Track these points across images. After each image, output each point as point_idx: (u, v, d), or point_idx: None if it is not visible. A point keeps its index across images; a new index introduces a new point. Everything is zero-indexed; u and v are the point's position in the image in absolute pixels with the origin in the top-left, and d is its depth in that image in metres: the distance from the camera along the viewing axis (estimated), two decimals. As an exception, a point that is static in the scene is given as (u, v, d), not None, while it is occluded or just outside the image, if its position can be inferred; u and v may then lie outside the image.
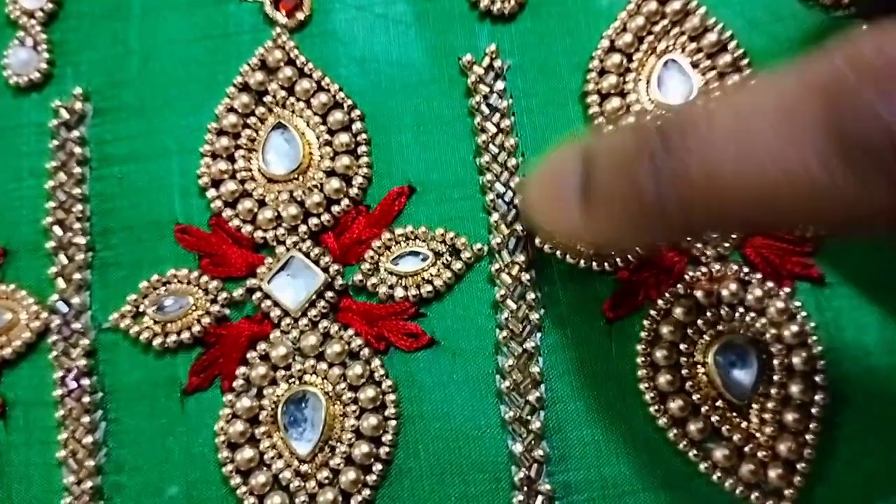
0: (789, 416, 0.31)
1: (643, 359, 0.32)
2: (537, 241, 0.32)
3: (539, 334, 0.32)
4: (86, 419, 0.33)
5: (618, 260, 0.32)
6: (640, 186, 0.22)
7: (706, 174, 0.21)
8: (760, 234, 0.31)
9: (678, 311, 0.32)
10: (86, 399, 0.33)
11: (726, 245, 0.33)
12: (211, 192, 0.34)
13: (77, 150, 0.36)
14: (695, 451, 0.31)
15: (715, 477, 0.30)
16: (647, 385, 0.31)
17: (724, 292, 0.32)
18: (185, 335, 0.33)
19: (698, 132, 0.21)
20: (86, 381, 0.33)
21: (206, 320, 0.33)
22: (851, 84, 0.18)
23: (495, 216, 0.33)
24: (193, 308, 0.33)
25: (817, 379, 0.31)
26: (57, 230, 0.35)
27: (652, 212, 0.22)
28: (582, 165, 0.25)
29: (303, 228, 0.34)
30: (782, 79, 0.21)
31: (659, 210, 0.22)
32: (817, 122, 0.19)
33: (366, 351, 0.32)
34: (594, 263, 0.32)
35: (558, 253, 0.31)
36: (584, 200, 0.24)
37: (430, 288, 0.33)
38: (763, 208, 0.21)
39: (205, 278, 0.33)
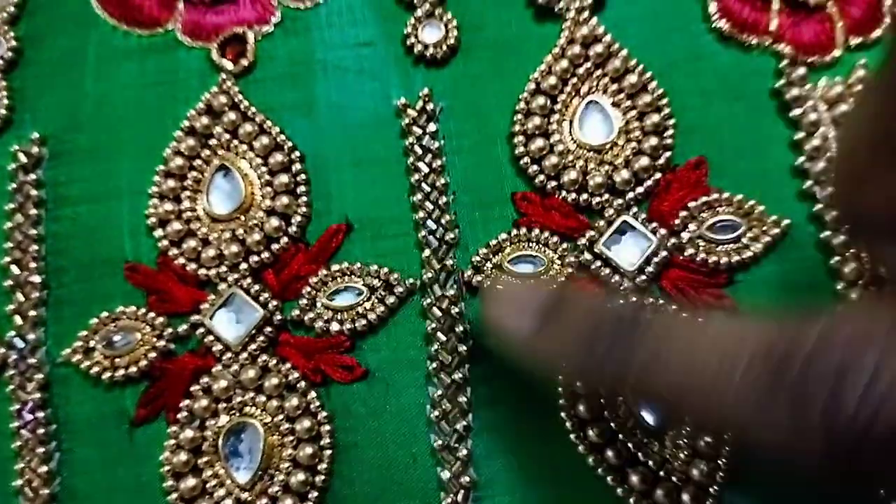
0: (703, 442, 0.32)
1: (564, 388, 0.33)
2: (466, 273, 0.34)
3: (468, 365, 0.34)
4: (41, 450, 0.34)
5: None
6: (592, 345, 0.25)
7: (644, 374, 0.24)
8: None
9: (597, 342, 0.33)
10: (40, 431, 0.35)
11: (643, 278, 0.34)
12: (158, 232, 0.36)
13: (33, 192, 0.37)
14: (612, 476, 0.32)
15: (632, 500, 0.32)
16: (567, 413, 0.33)
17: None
18: (133, 369, 0.35)
19: (656, 342, 0.24)
20: (40, 414, 0.35)
21: (153, 355, 0.35)
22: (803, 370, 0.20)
23: (427, 252, 0.35)
24: (141, 343, 0.35)
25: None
26: (14, 269, 0.36)
27: (590, 366, 0.26)
28: (554, 298, 0.28)
29: (244, 266, 0.35)
30: (742, 329, 0.23)
31: (596, 368, 0.26)
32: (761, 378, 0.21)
33: (303, 384, 0.34)
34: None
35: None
36: (542, 321, 0.28)
37: (364, 322, 0.34)
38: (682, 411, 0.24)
39: (151, 315, 0.35)
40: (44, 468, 0.34)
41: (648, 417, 0.32)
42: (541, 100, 0.37)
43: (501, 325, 0.30)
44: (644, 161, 0.36)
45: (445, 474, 0.32)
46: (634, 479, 0.32)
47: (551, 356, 0.28)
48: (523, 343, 0.29)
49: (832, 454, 0.20)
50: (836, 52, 0.38)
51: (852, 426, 0.19)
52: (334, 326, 0.34)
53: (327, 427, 0.33)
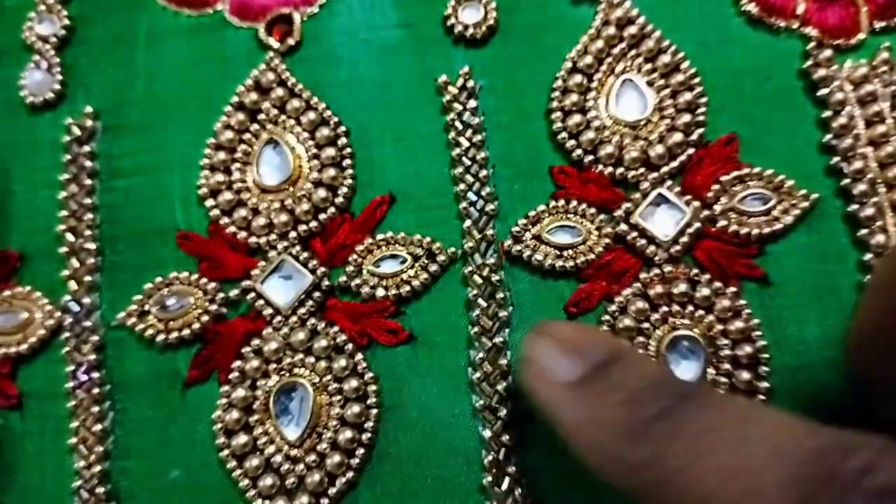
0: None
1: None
2: (506, 242, 0.36)
3: (507, 330, 0.36)
4: (95, 409, 0.36)
5: (580, 261, 0.35)
6: (633, 435, 0.23)
7: (677, 472, 0.22)
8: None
9: (633, 308, 0.35)
10: (95, 391, 0.36)
11: (678, 248, 0.36)
12: (209, 202, 0.38)
13: (87, 163, 0.39)
14: (647, 435, 0.34)
15: (665, 458, 0.33)
16: (604, 375, 0.34)
17: (675, 291, 0.35)
18: (186, 332, 0.36)
19: (688, 434, 0.22)
20: (95, 375, 0.36)
21: (205, 318, 0.36)
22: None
23: (468, 222, 0.37)
24: (193, 307, 0.36)
25: (761, 370, 0.34)
26: (69, 237, 0.38)
27: (621, 449, 0.23)
28: (610, 349, 0.26)
29: (293, 234, 0.37)
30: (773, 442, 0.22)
31: (625, 456, 0.23)
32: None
33: (350, 346, 0.35)
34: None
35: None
36: (577, 387, 0.26)
37: (408, 288, 0.36)
38: None
39: (204, 280, 0.37)
40: (98, 427, 0.36)
41: (688, 366, 0.34)
42: (578, 78, 0.38)
43: (542, 363, 0.27)
44: (677, 137, 0.37)
45: (487, 433, 0.34)
46: (670, 438, 0.33)
47: (584, 420, 0.25)
48: (559, 391, 0.26)
49: None
50: (861, 36, 0.40)
51: None
52: (380, 292, 0.36)
53: (373, 387, 0.35)
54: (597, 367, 0.25)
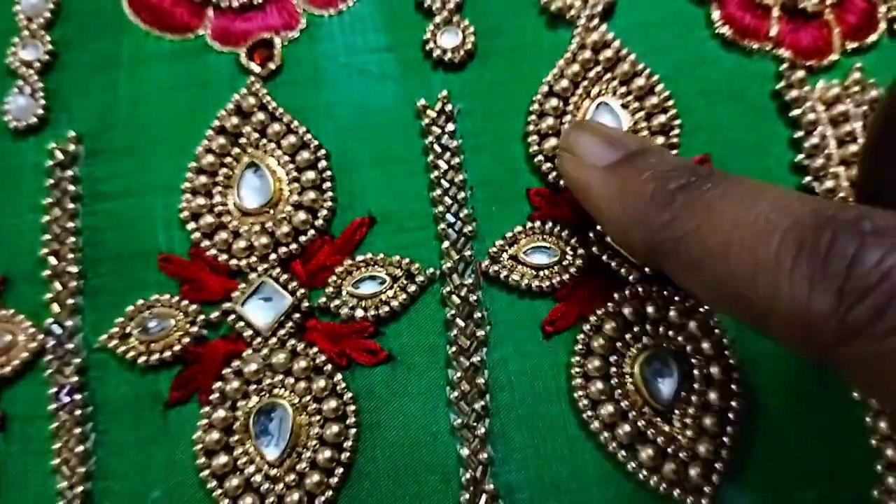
0: (708, 421, 0.34)
1: (577, 369, 0.35)
2: (484, 263, 0.36)
3: (485, 349, 0.36)
4: (77, 430, 0.36)
5: (556, 281, 0.36)
6: (658, 203, 0.27)
7: (696, 227, 0.26)
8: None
9: (608, 327, 0.36)
10: (77, 412, 0.36)
11: (649, 268, 0.36)
12: (191, 225, 0.38)
13: (70, 187, 0.39)
14: (623, 453, 0.34)
15: (641, 476, 0.34)
16: (580, 393, 0.35)
17: (649, 310, 0.36)
18: (167, 354, 0.36)
19: (705, 199, 0.26)
20: (77, 396, 0.37)
21: (186, 340, 0.36)
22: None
23: (446, 244, 0.37)
24: (175, 329, 0.37)
25: (733, 387, 0.35)
26: (52, 260, 0.38)
27: (649, 213, 0.27)
28: (641, 144, 0.31)
29: (273, 256, 0.37)
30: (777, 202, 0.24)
31: (654, 215, 0.27)
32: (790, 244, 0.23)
33: (329, 367, 0.36)
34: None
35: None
36: (610, 170, 0.30)
37: (387, 309, 0.36)
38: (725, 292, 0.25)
39: (185, 302, 0.37)
40: (80, 448, 0.36)
41: (659, 396, 0.34)
42: (553, 101, 0.39)
43: (581, 150, 0.32)
44: (651, 158, 0.38)
45: (465, 451, 0.34)
46: (644, 455, 0.34)
47: (615, 194, 0.29)
48: (594, 173, 0.30)
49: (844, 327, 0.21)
50: (834, 56, 0.40)
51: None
52: (359, 313, 0.36)
53: (352, 407, 0.35)
54: (629, 154, 0.30)
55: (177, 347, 0.36)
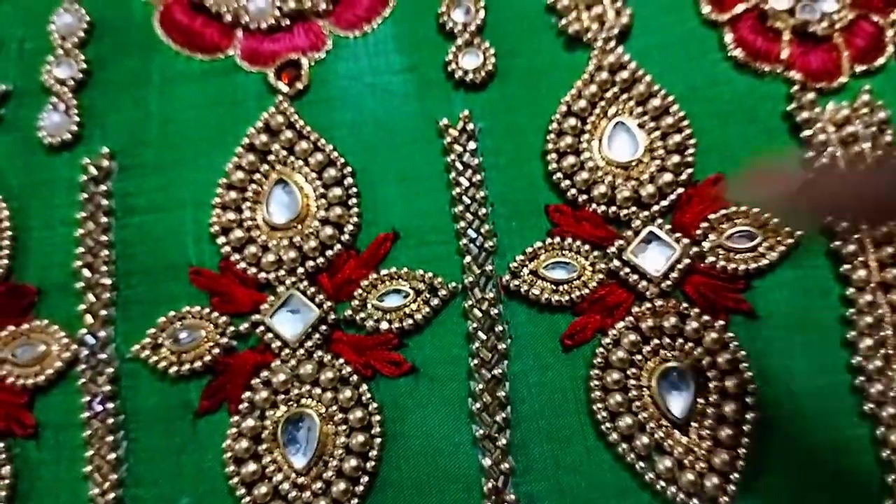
0: (724, 433, 0.35)
1: (596, 382, 0.36)
2: (504, 278, 0.37)
3: (506, 362, 0.37)
4: (109, 438, 0.37)
5: (575, 296, 0.37)
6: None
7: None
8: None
9: (626, 341, 0.37)
10: (109, 421, 0.37)
11: (668, 283, 0.37)
12: (221, 239, 0.39)
13: (103, 202, 0.41)
14: (641, 464, 0.35)
15: (658, 486, 0.35)
16: (599, 405, 0.36)
17: (666, 324, 0.37)
18: (198, 364, 0.38)
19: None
20: (110, 405, 0.38)
21: (216, 351, 0.38)
22: None
23: (468, 258, 0.38)
24: (205, 340, 0.38)
25: (748, 400, 0.36)
26: (85, 272, 0.40)
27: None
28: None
29: (300, 270, 0.38)
30: None
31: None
32: None
33: (355, 377, 0.37)
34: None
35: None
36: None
37: (411, 321, 0.38)
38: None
39: (215, 314, 0.38)
40: (112, 455, 0.37)
41: (675, 408, 0.35)
42: (572, 121, 0.40)
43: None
44: (667, 177, 0.39)
45: (487, 461, 0.35)
46: (661, 466, 0.35)
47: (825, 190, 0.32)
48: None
49: None
50: (843, 79, 0.42)
51: None
52: (383, 325, 0.37)
53: (377, 417, 0.36)
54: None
55: (207, 358, 0.37)
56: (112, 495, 0.37)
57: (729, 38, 0.42)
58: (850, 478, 0.35)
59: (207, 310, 0.38)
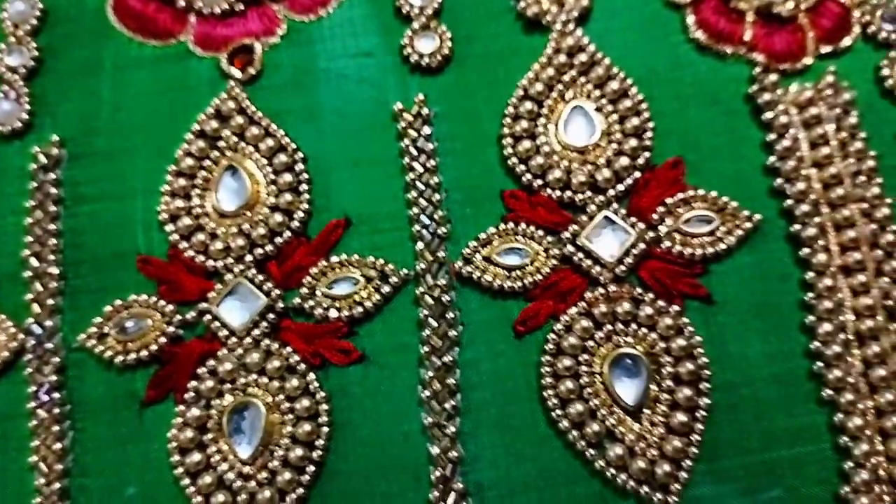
0: (677, 419, 0.34)
1: (547, 369, 0.35)
2: (457, 264, 0.37)
3: (457, 349, 0.36)
4: (55, 428, 0.37)
5: (528, 281, 0.36)
6: None
7: None
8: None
9: (578, 327, 0.36)
10: (56, 411, 0.37)
11: (623, 269, 0.37)
12: (169, 227, 0.39)
13: (53, 190, 0.40)
14: (592, 451, 0.34)
15: (609, 474, 0.34)
16: (550, 392, 0.35)
17: (619, 310, 0.36)
18: (144, 353, 0.37)
19: None
20: (56, 395, 0.37)
21: (163, 340, 0.37)
22: None
23: (420, 245, 0.38)
24: (151, 329, 0.37)
25: (702, 386, 0.35)
26: (33, 262, 0.39)
27: None
28: None
29: (249, 258, 0.38)
30: None
31: None
32: None
33: (302, 366, 0.36)
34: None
35: None
36: None
37: (361, 309, 0.37)
38: None
39: (162, 303, 0.38)
40: (58, 445, 0.36)
41: (626, 397, 0.34)
42: (528, 105, 0.40)
43: None
44: (624, 161, 0.38)
45: (435, 450, 0.35)
46: (612, 453, 0.34)
47: None
48: None
49: None
50: (807, 60, 0.41)
51: None
52: (332, 313, 0.37)
53: (325, 406, 0.35)
54: None
55: (153, 347, 0.37)
56: (57, 485, 0.36)
57: (691, 19, 0.42)
58: (805, 464, 0.34)
59: (154, 298, 0.38)
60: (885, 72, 0.40)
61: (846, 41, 0.41)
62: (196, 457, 0.35)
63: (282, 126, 0.40)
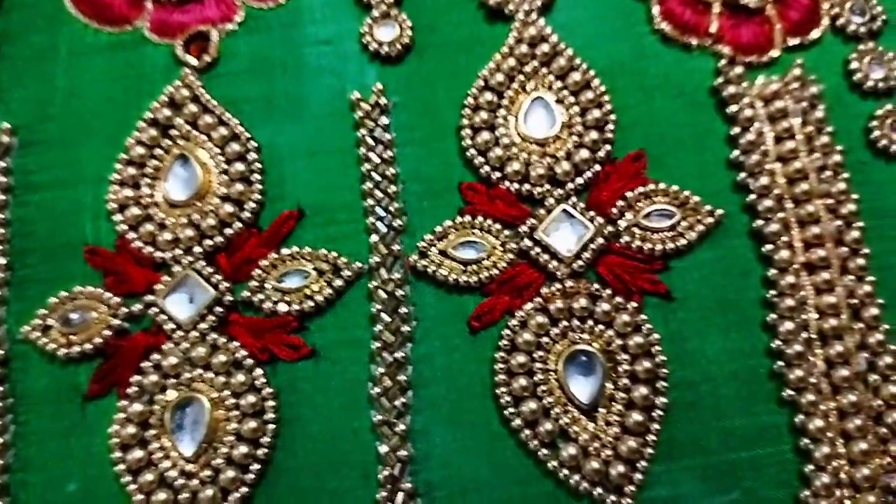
0: (633, 419, 0.33)
1: (501, 365, 0.34)
2: (412, 258, 0.36)
3: (410, 345, 0.35)
4: (-3, 422, 0.35)
5: (484, 276, 0.36)
6: None
7: None
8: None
9: (533, 323, 0.35)
10: (-2, 404, 0.36)
11: (580, 264, 0.36)
12: (117, 217, 0.38)
13: (2, 178, 0.39)
14: (544, 451, 0.33)
15: (562, 474, 0.33)
16: (503, 389, 0.34)
17: (576, 306, 0.35)
18: (88, 346, 0.36)
19: None
20: (-2, 388, 0.36)
21: (107, 332, 0.36)
22: None
23: (375, 237, 0.37)
24: (96, 321, 0.36)
25: (659, 385, 0.34)
26: (-21, 251, 0.38)
27: None
28: None
29: (198, 249, 0.37)
30: None
31: None
32: None
33: (249, 361, 0.35)
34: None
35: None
36: None
37: (311, 303, 0.36)
38: None
39: (108, 294, 0.37)
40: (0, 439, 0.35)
41: (580, 395, 0.33)
42: (488, 95, 0.39)
43: None
44: (584, 154, 0.37)
45: (383, 448, 0.34)
46: (566, 453, 0.33)
47: None
48: None
49: None
50: (775, 53, 0.40)
51: None
52: (282, 307, 0.36)
53: (271, 403, 0.34)
54: None
55: (98, 340, 0.36)
56: (-2, 480, 0.35)
57: (656, 10, 0.41)
58: (767, 467, 0.33)
59: (101, 290, 0.36)
60: (854, 65, 0.39)
61: (815, 33, 0.40)
62: (138, 453, 0.34)
63: (237, 115, 0.40)
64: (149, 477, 0.34)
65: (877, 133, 0.38)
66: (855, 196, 0.37)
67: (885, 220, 0.37)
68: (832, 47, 0.40)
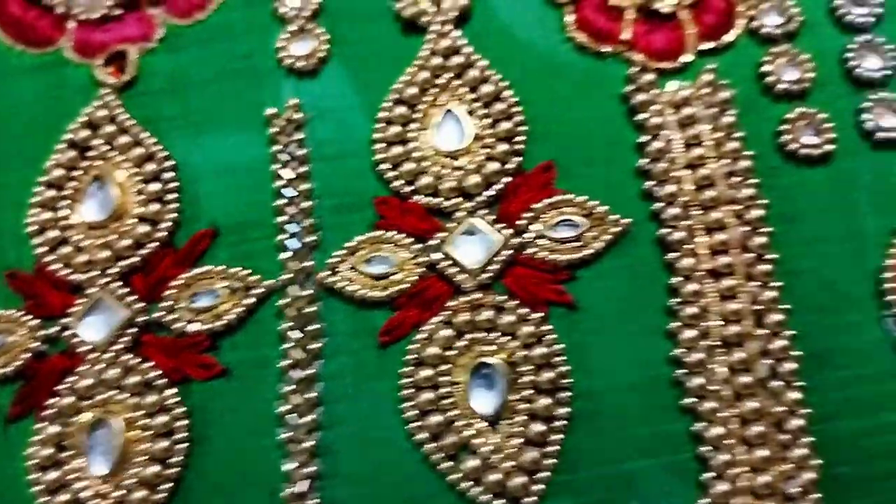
0: (534, 429, 0.34)
1: (408, 380, 0.35)
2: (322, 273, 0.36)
3: (319, 362, 0.36)
4: (-79, 447, 0.36)
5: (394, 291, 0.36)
6: None
7: None
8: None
9: (439, 336, 0.35)
10: (-79, 429, 0.36)
11: (487, 276, 0.36)
12: (36, 240, 0.38)
13: (-75, 204, 0.40)
14: (447, 464, 0.34)
15: (464, 486, 0.34)
16: (409, 404, 0.35)
17: (480, 318, 0.35)
18: (9, 369, 0.36)
19: None
20: (-78, 413, 0.37)
21: (27, 355, 0.37)
22: None
23: (286, 254, 0.37)
24: (16, 345, 0.37)
25: (560, 396, 0.34)
26: None
27: None
28: None
29: (114, 270, 0.37)
30: None
31: None
32: None
33: (161, 381, 0.35)
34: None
35: None
36: None
37: (223, 322, 0.36)
38: None
39: (27, 318, 0.37)
40: (-77, 464, 0.36)
41: (482, 408, 0.34)
42: (401, 109, 0.39)
43: None
44: (494, 166, 0.37)
45: (289, 465, 0.34)
46: (468, 465, 0.33)
47: None
48: None
49: None
50: (687, 58, 0.40)
51: None
52: (193, 327, 0.36)
53: (183, 422, 0.35)
54: None
55: (18, 363, 0.36)
56: (-81, 506, 0.35)
57: (569, 19, 0.41)
58: (668, 475, 0.34)
59: (20, 313, 0.37)
60: (767, 67, 0.39)
61: (728, 37, 0.40)
62: (53, 474, 0.35)
63: (156, 134, 0.40)
64: (64, 497, 0.35)
65: (786, 136, 0.38)
66: (763, 201, 0.37)
67: (795, 224, 0.37)
68: (746, 49, 0.40)
